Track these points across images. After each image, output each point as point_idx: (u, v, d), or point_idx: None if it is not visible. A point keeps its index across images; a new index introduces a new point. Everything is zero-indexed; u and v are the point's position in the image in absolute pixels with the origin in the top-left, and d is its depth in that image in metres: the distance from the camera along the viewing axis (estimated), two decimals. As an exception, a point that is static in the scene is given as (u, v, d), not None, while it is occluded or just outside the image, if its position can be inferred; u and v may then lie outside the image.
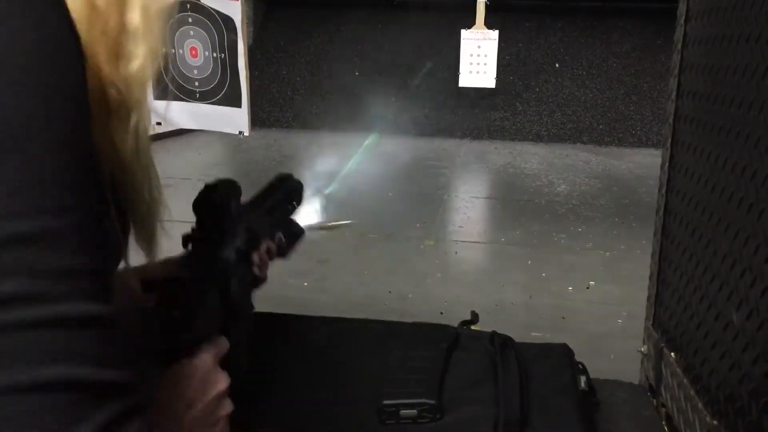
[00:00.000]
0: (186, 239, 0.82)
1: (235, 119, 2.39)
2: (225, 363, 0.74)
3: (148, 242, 0.65)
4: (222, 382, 0.70)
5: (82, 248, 0.45)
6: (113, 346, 0.46)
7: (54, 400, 0.41)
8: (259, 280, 0.93)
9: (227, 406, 0.71)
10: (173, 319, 0.70)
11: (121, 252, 0.63)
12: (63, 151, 0.45)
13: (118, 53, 0.53)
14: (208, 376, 0.69)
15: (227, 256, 0.82)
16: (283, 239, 1.01)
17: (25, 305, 0.41)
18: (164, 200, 0.65)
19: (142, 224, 0.62)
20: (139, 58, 0.54)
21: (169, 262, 0.84)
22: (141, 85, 0.55)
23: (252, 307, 0.92)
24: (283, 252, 1.04)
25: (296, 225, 1.10)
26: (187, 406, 0.66)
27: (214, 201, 0.82)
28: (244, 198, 0.92)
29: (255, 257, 0.91)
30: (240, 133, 2.40)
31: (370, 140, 5.07)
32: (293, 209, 1.09)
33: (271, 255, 0.96)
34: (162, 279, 0.72)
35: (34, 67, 0.44)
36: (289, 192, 1.08)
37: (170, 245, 0.77)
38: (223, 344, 0.74)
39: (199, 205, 0.82)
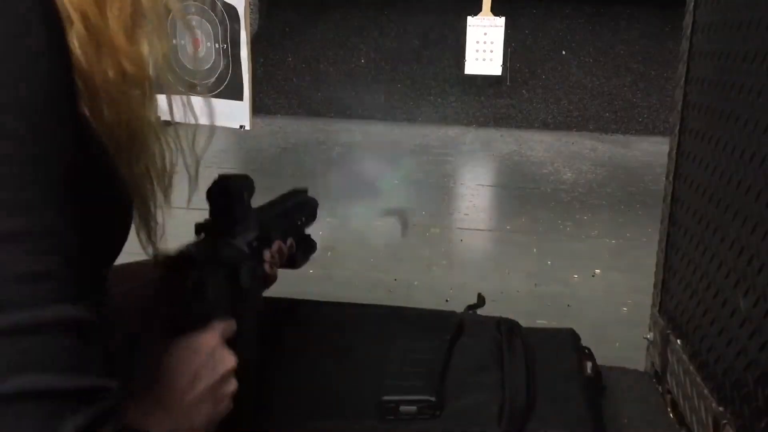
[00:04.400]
0: (199, 228, 0.82)
1: (236, 113, 2.32)
2: (233, 348, 0.74)
3: (151, 229, 0.65)
4: (229, 360, 0.71)
5: (48, 251, 0.43)
6: (86, 349, 0.44)
7: (24, 409, 0.40)
8: (268, 279, 0.93)
9: (233, 385, 0.71)
10: (183, 291, 0.71)
11: (121, 242, 0.62)
12: (26, 148, 0.42)
13: (134, 31, 0.53)
14: (215, 353, 0.69)
15: (239, 244, 0.82)
16: (294, 245, 1.01)
17: None
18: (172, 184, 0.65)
19: (150, 208, 0.62)
20: (152, 36, 0.54)
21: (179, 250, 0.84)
22: (156, 61, 0.55)
23: (262, 302, 0.92)
24: (294, 262, 1.03)
25: (309, 238, 1.09)
26: (192, 381, 0.66)
27: (228, 190, 0.82)
28: (256, 202, 0.92)
29: (266, 254, 0.90)
30: (241, 127, 2.34)
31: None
32: (306, 222, 1.08)
33: (282, 255, 0.96)
34: (173, 254, 0.73)
35: None
36: (302, 204, 1.08)
37: (177, 232, 0.77)
38: (231, 325, 0.75)
39: (212, 194, 0.82)
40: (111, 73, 0.51)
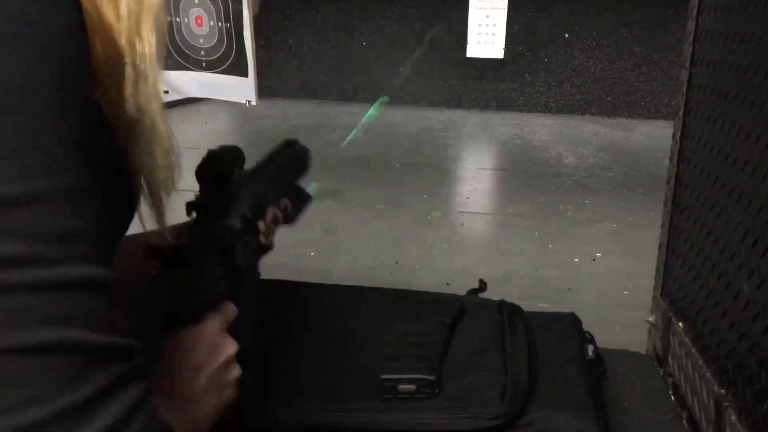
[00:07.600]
0: (190, 206, 0.81)
1: (243, 88, 2.37)
2: (234, 330, 0.74)
3: (158, 208, 0.64)
4: (230, 347, 0.71)
5: (79, 211, 0.44)
6: (111, 310, 0.45)
7: (52, 362, 0.41)
8: (265, 248, 0.92)
9: (236, 371, 0.71)
10: (177, 287, 0.70)
11: (129, 217, 0.62)
12: (60, 113, 0.44)
13: (126, 9, 0.52)
14: (216, 342, 0.69)
15: (232, 223, 0.81)
16: (289, 205, 1.00)
17: (22, 268, 0.41)
18: (180, 163, 0.64)
19: (155, 187, 0.62)
20: (143, 14, 0.53)
21: (174, 229, 0.84)
22: (148, 40, 0.54)
23: (259, 275, 0.92)
24: (288, 218, 1.03)
25: (302, 191, 1.08)
26: (195, 371, 0.66)
27: (218, 167, 0.81)
28: (249, 163, 0.91)
29: (261, 225, 0.90)
30: (247, 102, 2.39)
31: (379, 103, 5.05)
32: (299, 175, 1.08)
33: (277, 223, 0.95)
34: (165, 246, 0.72)
35: (34, 31, 0.43)
36: (294, 157, 1.07)
37: (176, 215, 0.76)
38: (231, 310, 0.74)
39: (202, 172, 0.81)
40: (104, 51, 0.50)
